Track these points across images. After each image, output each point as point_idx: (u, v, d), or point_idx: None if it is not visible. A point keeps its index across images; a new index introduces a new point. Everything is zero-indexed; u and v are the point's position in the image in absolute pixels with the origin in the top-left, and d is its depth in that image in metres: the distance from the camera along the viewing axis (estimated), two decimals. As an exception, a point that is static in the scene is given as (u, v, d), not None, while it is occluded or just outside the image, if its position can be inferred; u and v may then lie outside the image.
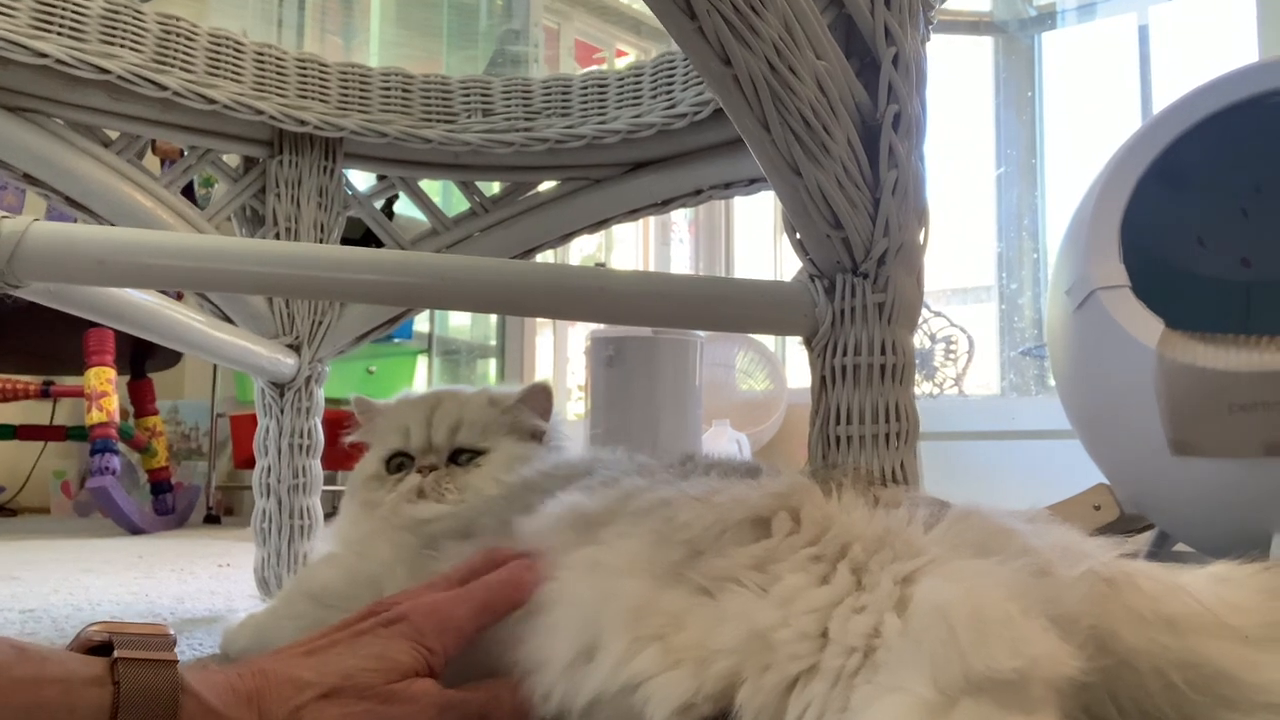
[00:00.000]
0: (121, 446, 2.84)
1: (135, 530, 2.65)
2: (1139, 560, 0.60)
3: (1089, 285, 1.50)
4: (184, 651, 0.94)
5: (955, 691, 0.47)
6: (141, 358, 2.98)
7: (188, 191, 2.68)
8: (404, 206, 2.28)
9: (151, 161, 2.65)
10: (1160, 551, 1.67)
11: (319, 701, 0.55)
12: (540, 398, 0.87)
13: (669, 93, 1.15)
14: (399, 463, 0.85)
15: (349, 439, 0.92)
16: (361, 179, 1.40)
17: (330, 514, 0.96)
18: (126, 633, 0.52)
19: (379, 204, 1.35)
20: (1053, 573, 0.56)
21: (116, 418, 2.67)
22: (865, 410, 0.77)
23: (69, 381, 2.91)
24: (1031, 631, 0.49)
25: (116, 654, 0.50)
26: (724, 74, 0.64)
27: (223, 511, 3.28)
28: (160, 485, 2.99)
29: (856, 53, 0.73)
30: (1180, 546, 1.72)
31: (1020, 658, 0.48)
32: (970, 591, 0.50)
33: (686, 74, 1.13)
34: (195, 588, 1.48)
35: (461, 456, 0.84)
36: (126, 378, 3.01)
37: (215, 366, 3.17)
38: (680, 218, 4.17)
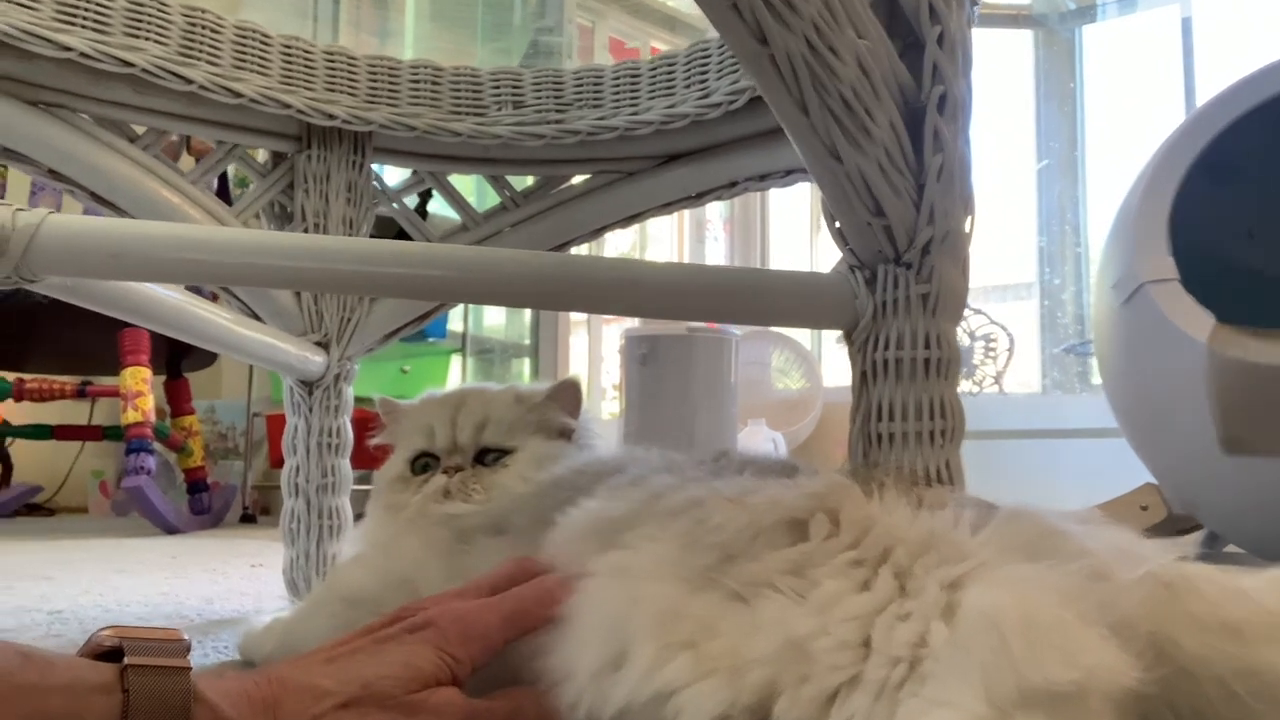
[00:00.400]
0: (159, 446, 2.85)
1: (171, 530, 2.66)
2: (1198, 563, 0.57)
3: (1137, 279, 1.46)
4: (209, 655, 0.93)
5: (1008, 705, 0.44)
6: (178, 357, 2.99)
7: (223, 190, 2.68)
8: (436, 205, 2.27)
9: (189, 162, 2.65)
10: (1210, 553, 1.62)
11: (338, 711, 0.52)
12: (569, 394, 0.85)
13: (703, 82, 1.12)
14: (424, 463, 0.83)
15: (374, 441, 0.90)
16: (393, 178, 1.38)
17: (360, 515, 0.94)
18: (138, 638, 0.50)
19: (412, 203, 1.34)
20: (1110, 576, 0.53)
21: (152, 417, 2.67)
22: (908, 406, 0.73)
23: (106, 381, 2.92)
24: (1089, 640, 0.46)
25: (126, 660, 0.48)
26: (760, 54, 0.61)
27: (259, 511, 3.28)
28: (196, 485, 3.00)
29: (899, 32, 0.70)
30: (1231, 548, 1.68)
31: (1077, 669, 0.45)
32: (1022, 598, 0.47)
33: (721, 62, 1.11)
34: (226, 588, 1.47)
35: (488, 456, 0.82)
36: (163, 377, 3.02)
37: (251, 366, 3.18)
38: (715, 215, 4.14)
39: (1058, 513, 0.59)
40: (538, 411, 0.84)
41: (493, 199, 1.28)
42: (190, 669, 0.50)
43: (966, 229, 0.75)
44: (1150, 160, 1.59)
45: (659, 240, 4.05)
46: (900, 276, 0.74)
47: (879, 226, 0.72)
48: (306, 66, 1.17)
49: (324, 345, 1.18)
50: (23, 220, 0.65)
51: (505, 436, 0.81)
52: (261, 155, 1.24)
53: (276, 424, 3.05)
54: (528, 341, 3.61)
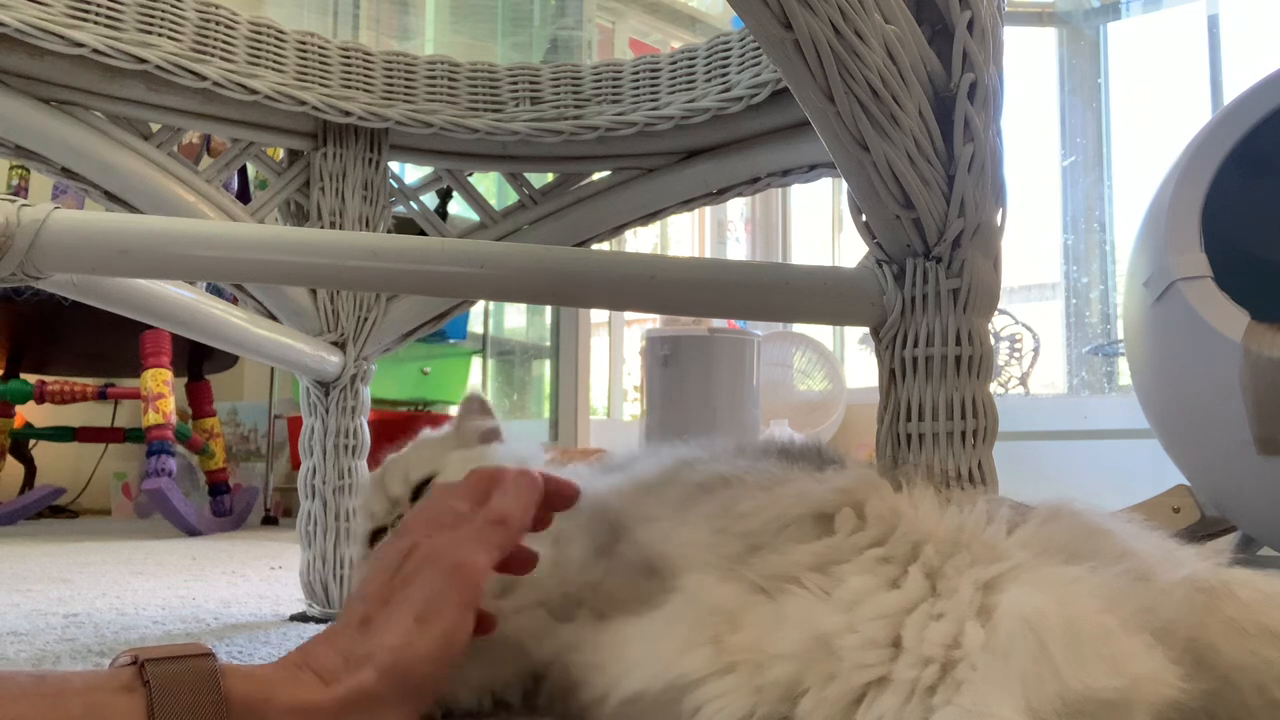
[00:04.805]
0: (181, 448, 2.85)
1: (192, 532, 2.65)
2: (1236, 568, 0.55)
3: (1169, 276, 1.43)
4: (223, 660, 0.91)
5: (1049, 714, 0.42)
6: (199, 359, 2.99)
7: (244, 191, 2.68)
8: (456, 207, 2.26)
9: (208, 164, 2.65)
10: (1244, 557, 1.59)
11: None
12: (474, 404, 0.84)
13: (724, 76, 1.10)
14: (379, 538, 0.81)
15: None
16: (413, 178, 1.37)
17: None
18: (155, 649, 0.49)
19: (431, 202, 1.32)
20: (1152, 578, 0.51)
21: (173, 419, 2.67)
22: (939, 405, 0.71)
23: (127, 384, 2.92)
24: (1134, 648, 0.45)
25: (142, 657, 0.47)
26: (784, 39, 0.59)
27: (280, 513, 3.28)
28: (218, 487, 3.00)
29: (928, 18, 0.68)
30: (1266, 551, 1.65)
31: (1122, 676, 0.43)
32: (1063, 602, 0.46)
33: (742, 55, 1.09)
34: (244, 591, 1.46)
35: (423, 491, 0.79)
36: (185, 379, 3.02)
37: (273, 368, 3.18)
38: (736, 216, 4.12)
39: (1100, 511, 0.57)
40: (455, 435, 0.83)
41: (513, 198, 1.26)
42: (213, 655, 0.49)
43: (998, 222, 0.73)
44: (1181, 155, 1.56)
45: (679, 241, 4.03)
46: (930, 271, 0.72)
47: (907, 219, 0.70)
48: (322, 63, 1.15)
49: (340, 345, 1.16)
50: (28, 216, 0.63)
51: (429, 467, 0.80)
52: (277, 154, 1.22)
53: (298, 426, 3.03)
54: (548, 343, 3.59)
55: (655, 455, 0.72)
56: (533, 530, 0.62)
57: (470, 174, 1.28)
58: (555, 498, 0.63)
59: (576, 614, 0.63)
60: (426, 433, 0.86)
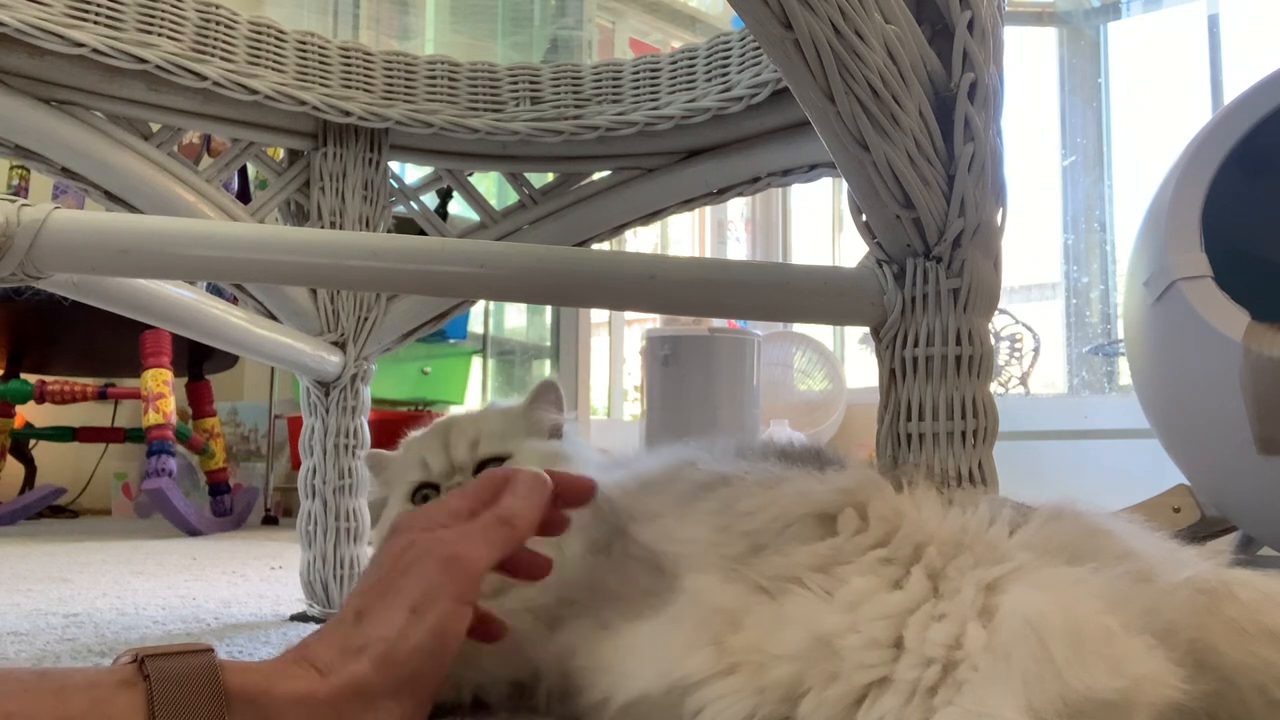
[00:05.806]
0: (181, 448, 2.85)
1: (193, 532, 2.65)
2: (1237, 569, 0.55)
3: (1169, 276, 1.43)
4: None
5: (1051, 714, 0.42)
6: (199, 359, 2.99)
7: (244, 191, 2.68)
8: (457, 207, 2.26)
9: (208, 164, 2.64)
10: (1245, 557, 1.59)
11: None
12: (552, 392, 0.84)
13: (724, 75, 1.10)
14: (424, 495, 0.80)
15: (371, 498, 0.89)
16: (414, 178, 1.37)
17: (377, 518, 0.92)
18: (156, 648, 0.49)
19: (431, 202, 1.32)
20: (1154, 580, 0.51)
21: (173, 419, 2.67)
22: (939, 405, 0.71)
23: (127, 383, 2.92)
24: (1135, 649, 0.45)
25: (143, 653, 0.47)
26: (784, 38, 0.59)
27: (281, 513, 3.28)
28: (218, 487, 3.00)
29: (928, 18, 0.68)
30: (1266, 551, 1.65)
31: (1123, 677, 0.43)
32: (1065, 603, 0.46)
33: (743, 55, 1.09)
34: (245, 591, 1.46)
35: (487, 468, 0.78)
36: (185, 379, 3.02)
37: (273, 368, 3.18)
38: (736, 216, 4.12)
39: (1101, 512, 0.57)
40: (525, 416, 0.83)
41: (513, 198, 1.26)
42: (213, 651, 0.49)
43: (998, 221, 0.73)
44: (1181, 155, 1.56)
45: (679, 241, 4.03)
46: (930, 271, 0.72)
47: (908, 219, 0.70)
48: (322, 63, 1.15)
49: (340, 345, 1.16)
50: (28, 215, 0.63)
51: (500, 444, 0.79)
52: (278, 154, 1.22)
53: (298, 426, 3.01)
54: (549, 343, 3.60)
55: (656, 455, 0.73)
56: (550, 534, 0.63)
57: (470, 174, 1.28)
58: (569, 496, 0.63)
59: (572, 614, 0.63)
60: (498, 405, 0.85)
